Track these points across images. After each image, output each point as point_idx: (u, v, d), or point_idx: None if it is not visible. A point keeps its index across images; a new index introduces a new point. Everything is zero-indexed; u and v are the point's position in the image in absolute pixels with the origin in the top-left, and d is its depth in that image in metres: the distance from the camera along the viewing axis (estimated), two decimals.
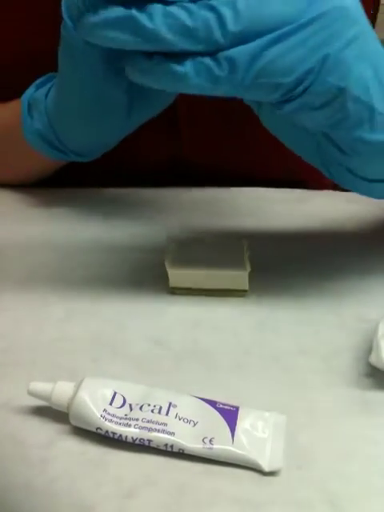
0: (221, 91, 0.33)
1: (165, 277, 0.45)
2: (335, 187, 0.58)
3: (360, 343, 0.40)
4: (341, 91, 0.34)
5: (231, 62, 0.32)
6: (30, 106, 0.49)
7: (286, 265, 0.48)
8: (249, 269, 0.44)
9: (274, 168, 0.60)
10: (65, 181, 0.59)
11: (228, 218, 0.51)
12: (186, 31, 0.31)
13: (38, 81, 0.50)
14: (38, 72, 0.50)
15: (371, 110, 0.36)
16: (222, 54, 0.32)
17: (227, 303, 0.44)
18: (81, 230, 0.52)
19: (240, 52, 0.32)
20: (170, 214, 0.54)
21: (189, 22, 0.31)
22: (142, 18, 0.31)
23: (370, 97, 0.35)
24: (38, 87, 0.50)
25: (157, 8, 0.31)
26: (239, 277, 0.44)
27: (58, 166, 0.56)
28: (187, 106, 0.56)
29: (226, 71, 0.32)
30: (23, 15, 0.52)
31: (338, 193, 0.57)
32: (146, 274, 0.46)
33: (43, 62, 0.47)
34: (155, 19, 0.31)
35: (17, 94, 0.51)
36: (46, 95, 0.48)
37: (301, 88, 0.34)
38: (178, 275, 0.44)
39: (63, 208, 0.55)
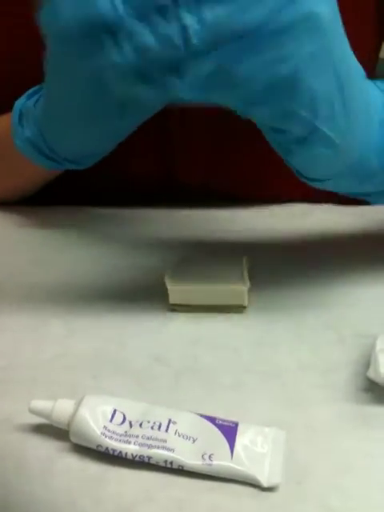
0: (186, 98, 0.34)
1: (164, 294, 0.45)
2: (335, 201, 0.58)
3: (358, 358, 0.41)
4: (288, 108, 0.35)
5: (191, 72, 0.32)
6: (21, 115, 0.49)
7: (284, 280, 0.48)
8: (248, 285, 0.44)
9: (266, 187, 0.60)
10: (59, 200, 0.59)
11: (227, 235, 0.52)
12: (153, 54, 0.32)
13: (31, 90, 0.50)
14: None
15: (313, 129, 0.36)
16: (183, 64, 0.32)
17: (227, 320, 0.44)
18: (79, 249, 0.52)
19: (200, 64, 0.32)
20: (170, 231, 0.54)
21: (153, 43, 0.32)
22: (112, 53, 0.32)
23: (315, 115, 0.35)
24: (29, 97, 0.50)
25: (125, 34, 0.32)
26: (238, 292, 0.45)
27: (49, 179, 0.55)
28: (180, 125, 0.56)
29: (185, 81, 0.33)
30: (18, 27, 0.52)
31: (337, 207, 0.58)
32: (146, 291, 0.47)
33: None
34: (124, 50, 0.32)
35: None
36: (35, 104, 0.48)
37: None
38: (177, 292, 0.45)
39: (61, 226, 0.56)
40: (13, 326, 0.44)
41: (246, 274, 0.45)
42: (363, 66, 0.40)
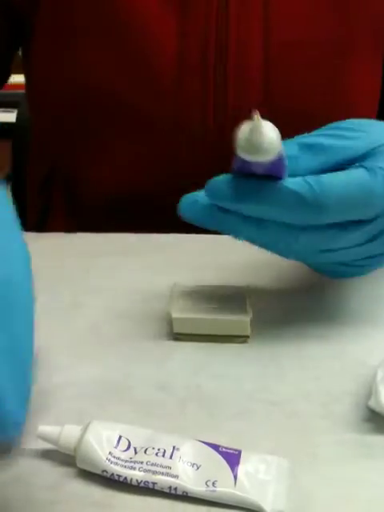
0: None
1: (169, 323, 0.46)
2: None
3: (360, 388, 0.41)
4: None
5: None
6: None
7: (287, 311, 0.49)
8: (250, 315, 0.45)
9: None
10: (65, 226, 0.60)
11: (230, 264, 0.52)
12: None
13: None
14: None
15: None
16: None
17: (230, 349, 0.45)
18: (84, 276, 0.53)
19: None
20: (173, 259, 0.55)
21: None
22: None
23: None
24: None
25: None
26: (241, 323, 0.45)
27: None
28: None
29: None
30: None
31: None
32: (150, 320, 0.47)
33: None
34: None
35: None
36: None
37: None
38: (181, 321, 0.45)
39: (66, 253, 0.57)
40: None
41: (248, 304, 0.46)
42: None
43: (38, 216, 0.75)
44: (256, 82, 0.62)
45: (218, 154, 0.62)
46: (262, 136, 0.36)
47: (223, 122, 0.63)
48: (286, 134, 0.66)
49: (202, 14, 0.60)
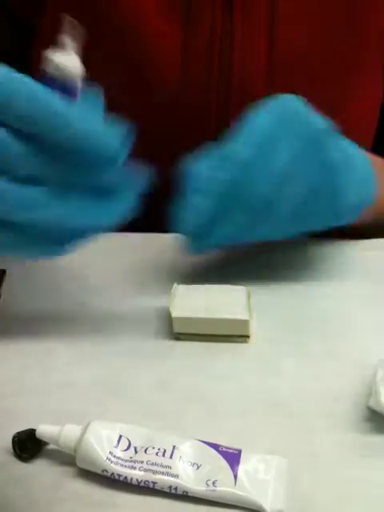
0: None
1: (169, 322, 0.46)
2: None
3: (359, 388, 0.41)
4: None
5: None
6: None
7: (287, 311, 0.49)
8: (251, 316, 0.45)
9: None
10: None
11: (231, 264, 0.52)
12: None
13: None
14: None
15: None
16: None
17: (230, 349, 0.45)
18: (86, 276, 0.53)
19: None
20: (174, 259, 0.55)
21: None
22: None
23: None
24: None
25: None
26: (241, 323, 0.45)
27: None
28: None
29: None
30: None
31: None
32: (151, 320, 0.47)
33: None
34: None
35: None
36: None
37: None
38: (182, 321, 0.45)
39: (70, 254, 0.57)
40: (21, 352, 0.44)
41: (248, 304, 0.46)
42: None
43: None
44: (259, 96, 0.62)
45: None
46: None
47: (225, 133, 0.63)
48: None
49: (206, 29, 0.60)
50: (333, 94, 0.63)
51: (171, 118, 0.63)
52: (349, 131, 0.67)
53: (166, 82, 0.61)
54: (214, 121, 0.63)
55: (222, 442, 0.36)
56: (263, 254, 0.57)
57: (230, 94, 0.62)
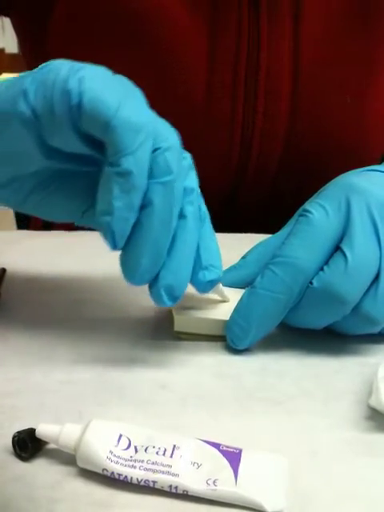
0: None
1: (169, 322, 0.46)
2: None
3: (360, 387, 0.41)
4: None
5: None
6: None
7: None
8: None
9: None
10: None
11: (231, 264, 0.52)
12: None
13: None
14: None
15: None
16: None
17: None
18: (85, 274, 0.53)
19: None
20: None
21: None
22: None
23: None
24: None
25: None
26: None
27: None
28: None
29: None
30: None
31: None
32: (151, 319, 0.47)
33: None
34: None
35: None
36: None
37: None
38: (182, 320, 0.45)
39: (70, 252, 0.57)
40: (21, 351, 0.44)
41: None
42: None
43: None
44: (285, 99, 0.62)
45: (241, 172, 0.63)
46: None
47: (250, 140, 0.64)
48: (311, 151, 0.66)
49: (233, 29, 0.60)
50: (355, 98, 0.64)
51: (198, 124, 0.63)
52: (367, 131, 0.67)
53: (193, 84, 0.61)
54: (239, 126, 0.63)
55: (222, 441, 0.36)
56: None
57: (256, 95, 0.62)
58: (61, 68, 0.38)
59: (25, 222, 0.85)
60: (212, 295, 0.46)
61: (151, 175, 0.38)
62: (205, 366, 0.43)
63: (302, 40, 0.61)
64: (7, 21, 0.71)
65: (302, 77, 0.62)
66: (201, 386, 0.42)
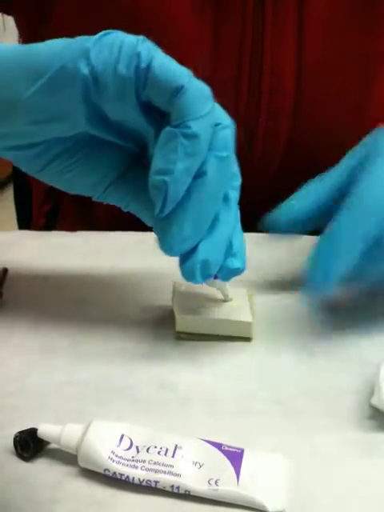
0: None
1: (171, 321, 0.46)
2: None
3: (362, 386, 0.41)
4: None
5: None
6: None
7: (288, 309, 0.49)
8: (253, 318, 0.45)
9: None
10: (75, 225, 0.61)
11: None
12: None
13: None
14: None
15: None
16: None
17: (232, 348, 0.45)
18: (87, 274, 0.53)
19: None
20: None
21: None
22: None
23: None
24: None
25: None
26: (244, 325, 0.45)
27: None
28: None
29: None
30: None
31: None
32: (153, 319, 0.47)
33: None
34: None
35: None
36: None
37: None
38: (184, 320, 0.45)
39: (71, 252, 0.57)
40: (22, 351, 0.44)
41: (251, 306, 0.46)
42: None
43: (45, 218, 0.75)
44: (289, 97, 0.62)
45: (244, 167, 0.63)
46: None
47: (252, 139, 0.64)
48: (312, 150, 0.66)
49: (237, 26, 0.60)
50: (358, 95, 0.64)
51: None
52: (369, 130, 0.67)
53: (196, 77, 0.61)
54: (242, 121, 0.63)
55: (224, 441, 0.36)
56: (265, 252, 0.57)
57: (260, 93, 0.62)
58: (127, 36, 0.38)
59: (26, 222, 0.85)
60: (214, 294, 0.46)
61: (210, 147, 0.38)
62: (206, 366, 0.43)
63: (306, 37, 0.60)
64: (8, 19, 0.71)
65: (305, 74, 0.62)
66: (202, 386, 0.41)
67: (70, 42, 0.39)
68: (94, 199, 0.44)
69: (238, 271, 0.42)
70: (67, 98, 0.38)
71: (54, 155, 0.42)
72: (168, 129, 0.38)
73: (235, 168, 0.42)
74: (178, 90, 0.37)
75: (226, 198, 0.41)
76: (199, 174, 0.38)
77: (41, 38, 0.65)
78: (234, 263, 0.42)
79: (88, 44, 0.37)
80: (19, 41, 0.71)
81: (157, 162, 0.38)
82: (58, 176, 0.43)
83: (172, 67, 0.37)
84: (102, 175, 0.43)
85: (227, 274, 0.43)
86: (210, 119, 0.38)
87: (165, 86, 0.37)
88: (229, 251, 0.42)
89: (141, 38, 0.38)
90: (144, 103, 0.38)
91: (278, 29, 0.60)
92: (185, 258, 0.40)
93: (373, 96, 0.65)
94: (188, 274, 0.40)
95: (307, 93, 0.62)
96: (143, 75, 0.37)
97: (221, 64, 0.61)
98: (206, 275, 0.40)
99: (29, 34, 0.69)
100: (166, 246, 0.40)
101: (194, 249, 0.40)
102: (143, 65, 0.37)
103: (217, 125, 0.39)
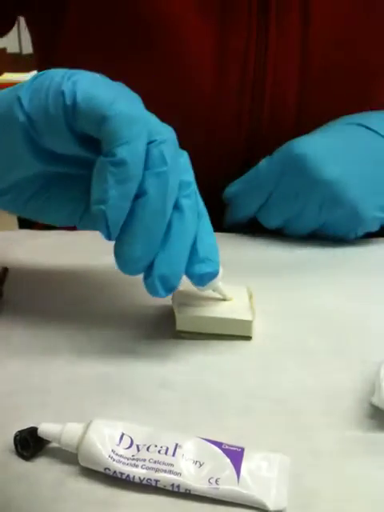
0: None
1: (171, 320, 0.46)
2: None
3: (363, 385, 0.41)
4: None
5: None
6: None
7: (289, 308, 0.49)
8: (253, 316, 0.45)
9: None
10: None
11: (233, 264, 0.52)
12: None
13: None
14: None
15: None
16: None
17: (232, 347, 0.45)
18: (87, 273, 0.53)
19: None
20: None
21: None
22: None
23: None
24: None
25: None
26: (244, 324, 0.45)
27: None
28: None
29: None
30: None
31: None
32: (153, 318, 0.47)
33: None
34: None
35: None
36: None
37: None
38: (184, 319, 0.45)
39: (71, 251, 0.57)
40: (23, 350, 0.44)
41: (251, 305, 0.46)
42: None
43: None
44: (292, 101, 0.62)
45: (246, 170, 0.63)
46: None
47: (256, 142, 0.64)
48: None
49: (242, 31, 0.60)
50: (361, 102, 0.64)
51: (205, 121, 0.63)
52: None
53: (201, 84, 0.62)
54: (246, 125, 0.63)
55: (224, 439, 0.36)
56: (265, 251, 0.57)
57: (263, 97, 0.62)
58: (55, 74, 0.39)
59: (27, 221, 0.85)
60: (214, 294, 0.46)
61: (146, 167, 0.39)
62: (206, 365, 0.43)
63: (310, 42, 0.61)
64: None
65: (308, 81, 0.62)
66: (203, 385, 0.41)
67: (7, 92, 0.41)
68: (77, 228, 0.46)
69: (209, 276, 0.43)
70: (12, 143, 0.40)
71: (28, 196, 0.44)
72: (100, 158, 0.39)
73: (186, 175, 0.42)
74: (102, 120, 0.38)
75: (178, 208, 0.41)
76: (140, 194, 0.39)
77: (54, 41, 0.65)
78: (203, 269, 0.42)
79: (20, 92, 0.39)
80: (31, 42, 0.72)
81: (93, 192, 0.39)
82: (37, 213, 0.45)
83: (94, 98, 0.38)
84: (75, 205, 0.44)
85: (199, 280, 0.43)
86: (137, 142, 0.38)
87: (90, 118, 0.38)
88: (196, 258, 0.42)
89: (68, 73, 0.39)
90: (81, 135, 0.39)
91: (282, 33, 0.60)
92: (145, 275, 0.41)
93: (375, 108, 0.65)
94: (151, 290, 0.41)
95: (311, 97, 0.63)
96: (70, 111, 0.38)
97: (225, 68, 0.61)
98: (169, 289, 0.41)
99: (39, 42, 0.70)
100: (121, 268, 0.41)
101: (151, 265, 0.40)
102: (68, 102, 0.38)
103: (151, 142, 0.39)
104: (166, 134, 0.40)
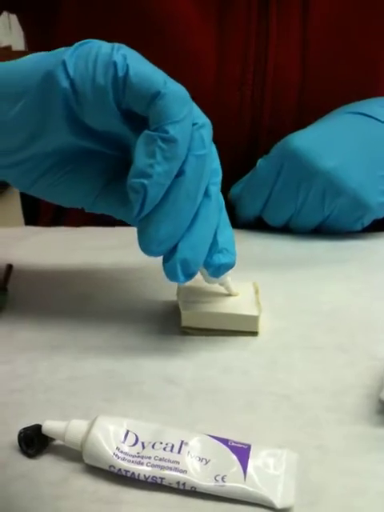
0: None
1: (176, 316, 0.45)
2: None
3: (370, 381, 0.41)
4: None
5: None
6: None
7: (295, 303, 0.49)
8: (259, 311, 0.45)
9: None
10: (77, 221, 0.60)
11: (239, 259, 0.52)
12: None
13: None
14: None
15: None
16: None
17: (238, 342, 0.45)
18: (92, 269, 0.53)
19: None
20: None
21: None
22: None
23: None
24: None
25: None
26: (250, 319, 0.45)
27: None
28: None
29: None
30: None
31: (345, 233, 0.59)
32: (158, 314, 0.47)
33: None
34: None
35: None
36: None
37: None
38: (190, 315, 0.45)
39: (77, 248, 0.56)
40: (28, 347, 0.44)
41: (257, 300, 0.46)
42: None
43: (53, 213, 0.75)
44: (292, 96, 0.62)
45: (249, 164, 0.63)
46: None
47: (257, 135, 0.64)
48: None
49: (242, 27, 0.60)
50: (359, 91, 0.64)
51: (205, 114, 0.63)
52: None
53: (202, 78, 0.62)
54: (247, 118, 0.63)
55: (230, 436, 0.36)
56: (271, 247, 0.57)
57: (264, 94, 0.62)
58: (102, 45, 0.39)
59: (32, 218, 0.85)
60: (220, 289, 0.46)
61: (188, 147, 0.39)
62: (212, 361, 0.43)
63: (309, 35, 0.61)
64: (14, 18, 0.71)
65: (309, 72, 0.62)
66: (208, 381, 0.41)
67: (47, 55, 0.39)
68: (86, 210, 0.44)
69: (226, 266, 0.42)
70: (49, 112, 0.39)
71: (42, 171, 0.42)
72: (146, 132, 0.38)
73: (216, 164, 0.42)
74: (155, 96, 0.37)
75: (206, 194, 0.41)
76: (178, 174, 0.38)
77: (48, 38, 0.65)
78: (221, 259, 0.42)
79: (64, 56, 0.38)
80: (25, 41, 0.71)
81: (136, 165, 0.38)
82: (48, 190, 0.43)
83: (148, 73, 0.38)
84: (91, 185, 0.43)
85: (215, 270, 0.42)
86: (187, 122, 0.38)
87: (142, 93, 0.37)
88: (215, 248, 0.42)
89: (116, 45, 0.38)
90: (124, 111, 0.39)
91: (282, 26, 0.60)
92: (166, 257, 0.40)
93: (378, 95, 0.65)
94: (170, 274, 0.40)
95: (311, 90, 0.63)
96: (121, 84, 0.37)
97: (226, 61, 0.61)
98: (188, 274, 0.40)
99: (35, 35, 0.69)
100: (144, 247, 0.40)
101: (174, 248, 0.40)
102: (120, 74, 0.37)
103: (194, 124, 0.39)
104: (205, 119, 0.40)
